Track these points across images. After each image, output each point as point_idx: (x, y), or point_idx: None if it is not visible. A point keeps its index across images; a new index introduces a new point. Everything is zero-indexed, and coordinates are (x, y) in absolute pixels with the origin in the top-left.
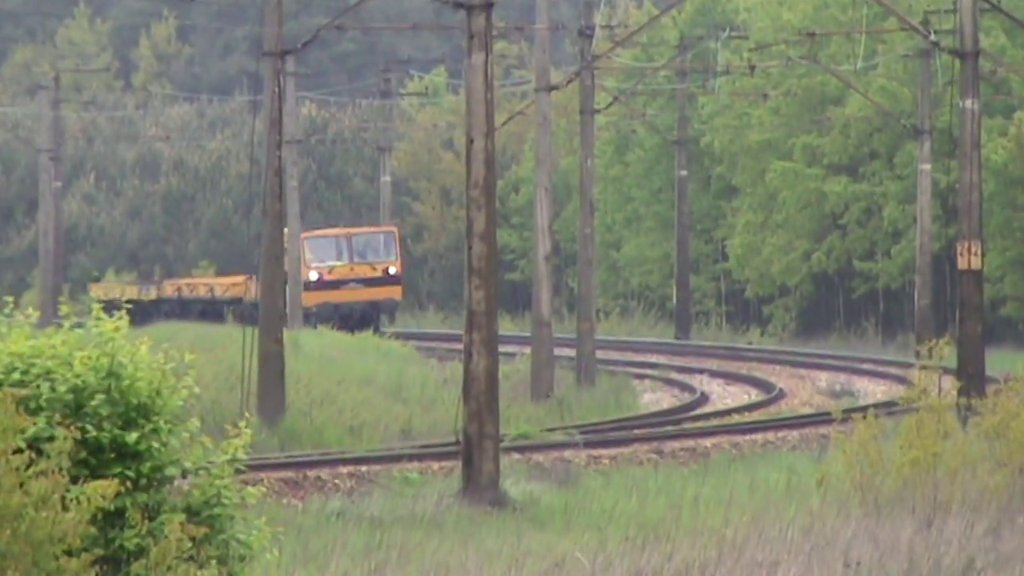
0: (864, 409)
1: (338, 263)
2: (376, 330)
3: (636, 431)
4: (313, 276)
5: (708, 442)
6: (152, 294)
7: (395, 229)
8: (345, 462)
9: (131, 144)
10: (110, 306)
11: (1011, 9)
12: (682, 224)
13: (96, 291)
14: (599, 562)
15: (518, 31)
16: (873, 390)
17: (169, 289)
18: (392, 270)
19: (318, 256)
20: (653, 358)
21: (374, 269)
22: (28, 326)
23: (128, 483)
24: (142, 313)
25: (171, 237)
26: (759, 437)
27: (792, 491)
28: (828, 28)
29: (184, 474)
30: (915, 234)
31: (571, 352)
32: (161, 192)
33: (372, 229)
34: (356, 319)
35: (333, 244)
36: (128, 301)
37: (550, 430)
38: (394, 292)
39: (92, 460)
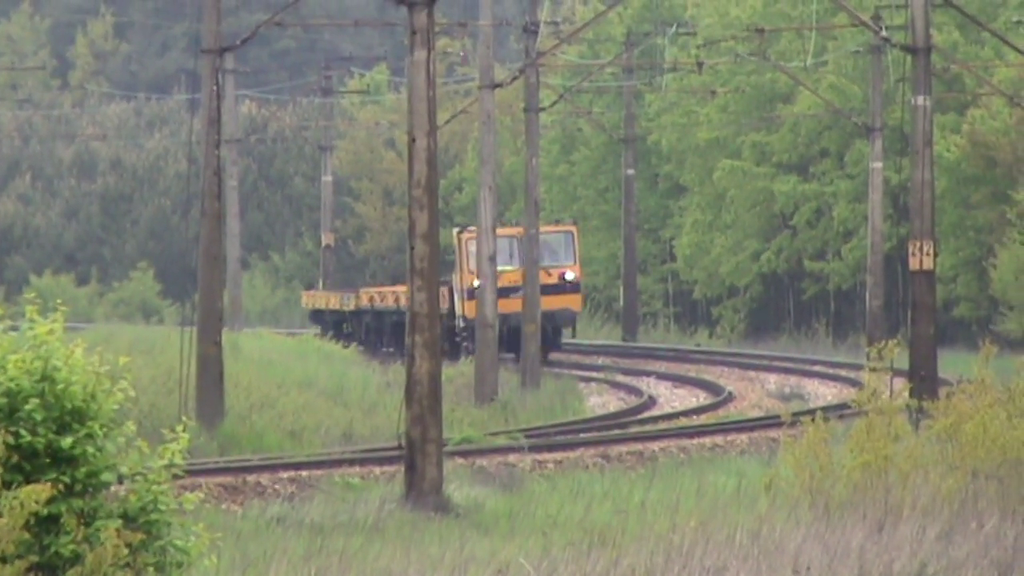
0: (814, 412)
1: (508, 267)
2: (552, 350)
3: (582, 435)
4: (478, 283)
5: (655, 446)
6: (352, 304)
7: (574, 228)
8: (285, 467)
9: (68, 143)
10: (316, 316)
11: (963, 4)
12: (629, 224)
13: (306, 299)
14: (543, 568)
15: (461, 27)
16: (823, 392)
17: (364, 299)
18: (570, 275)
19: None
20: (599, 360)
21: (549, 275)
22: None
23: (63, 488)
24: (341, 324)
25: (108, 237)
26: (707, 441)
27: (741, 496)
28: (777, 24)
29: (120, 479)
30: (866, 234)
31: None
32: (98, 192)
33: (548, 228)
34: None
35: (503, 245)
36: (331, 312)
37: (494, 434)
38: (572, 302)
39: (26, 465)
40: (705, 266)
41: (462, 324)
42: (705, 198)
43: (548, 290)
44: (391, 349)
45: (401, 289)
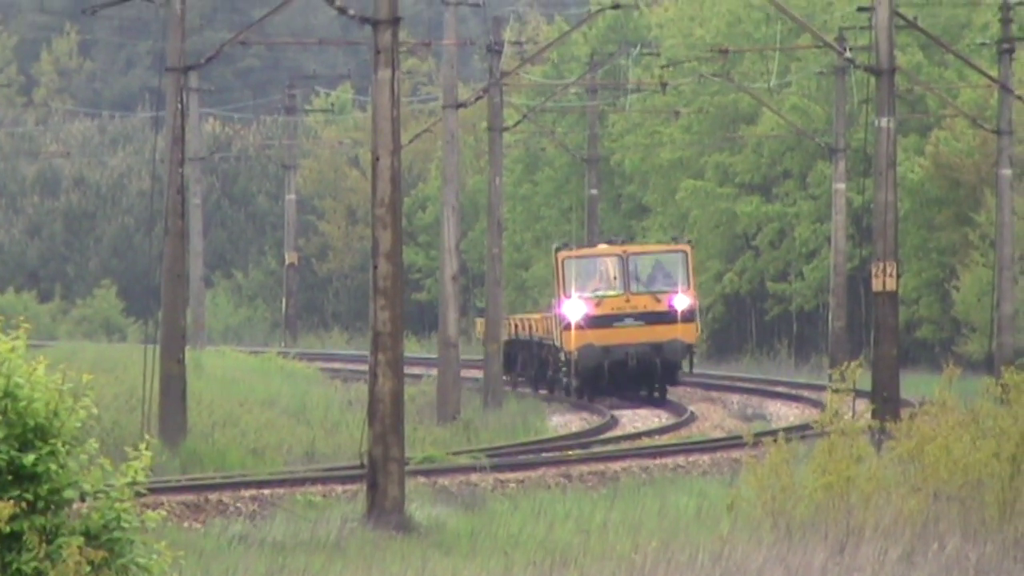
0: (776, 433)
1: (610, 292)
2: (667, 386)
3: (544, 454)
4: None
5: (617, 466)
6: (506, 332)
7: (688, 248)
8: (247, 485)
9: (31, 160)
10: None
11: (927, 26)
12: (592, 244)
13: (480, 327)
14: None
15: (425, 47)
16: (786, 413)
17: (512, 326)
18: (682, 302)
19: (582, 283)
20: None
21: (658, 301)
22: None
23: (25, 506)
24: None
25: (71, 255)
26: (669, 461)
27: (702, 516)
28: (741, 45)
29: (83, 497)
30: (829, 255)
31: (478, 374)
32: (62, 209)
33: (657, 247)
34: (633, 369)
35: (604, 266)
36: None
37: (456, 453)
38: (685, 332)
39: None
40: None
41: (563, 358)
42: (668, 218)
43: (656, 318)
44: (529, 389)
45: (535, 317)
